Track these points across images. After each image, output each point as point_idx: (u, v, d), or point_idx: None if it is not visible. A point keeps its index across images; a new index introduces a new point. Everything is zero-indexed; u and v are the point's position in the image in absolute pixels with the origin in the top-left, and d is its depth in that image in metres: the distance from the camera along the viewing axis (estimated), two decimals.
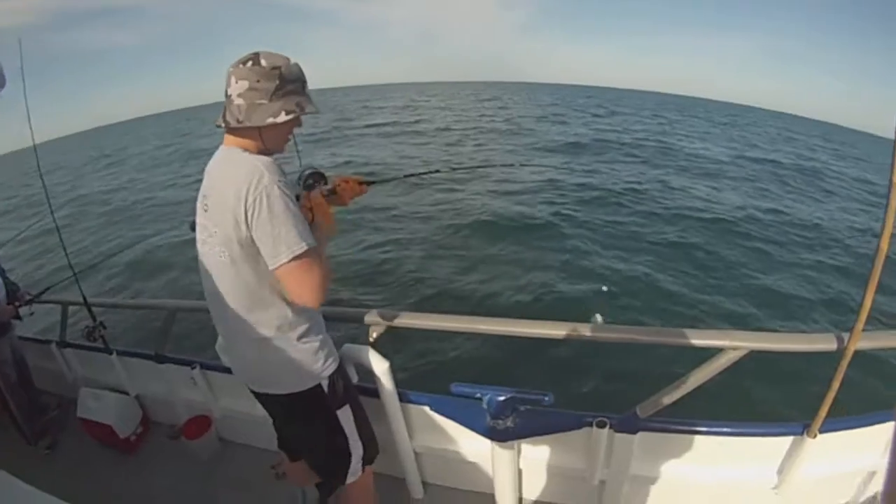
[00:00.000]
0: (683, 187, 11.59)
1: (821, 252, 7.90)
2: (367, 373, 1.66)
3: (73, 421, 2.51)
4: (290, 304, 1.22)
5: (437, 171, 2.04)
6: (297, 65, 1.17)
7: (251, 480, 2.14)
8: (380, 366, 1.63)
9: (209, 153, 1.25)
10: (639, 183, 11.62)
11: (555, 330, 1.53)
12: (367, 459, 1.51)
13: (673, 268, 6.66)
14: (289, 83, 1.14)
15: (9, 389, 2.51)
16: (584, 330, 1.51)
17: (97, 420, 2.41)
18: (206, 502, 2.11)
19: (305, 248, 1.10)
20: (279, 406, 1.41)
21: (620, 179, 11.95)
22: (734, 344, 1.38)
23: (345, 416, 1.40)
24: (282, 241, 1.09)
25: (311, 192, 1.31)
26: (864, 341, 1.30)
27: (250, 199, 1.08)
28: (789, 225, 9.26)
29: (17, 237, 6.96)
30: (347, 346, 1.63)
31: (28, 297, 2.63)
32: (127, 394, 2.51)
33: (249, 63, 1.12)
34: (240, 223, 1.10)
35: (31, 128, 2.19)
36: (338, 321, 1.77)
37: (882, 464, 1.58)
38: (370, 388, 1.70)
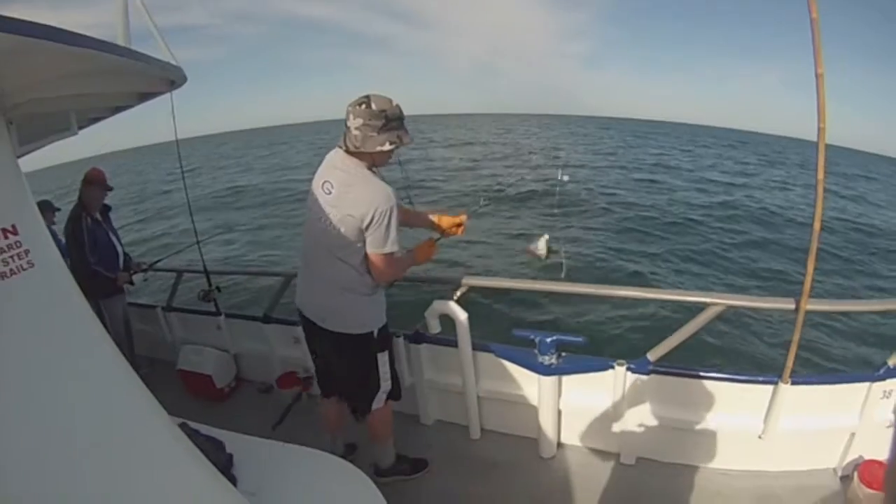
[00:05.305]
0: None
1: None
2: (450, 325, 2.15)
3: (170, 376, 2.92)
4: (365, 273, 1.69)
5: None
6: (398, 106, 1.58)
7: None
8: (460, 316, 2.11)
9: None
10: None
11: (588, 289, 2.09)
12: (393, 395, 1.94)
13: None
14: (392, 121, 1.56)
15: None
16: (609, 290, 2.09)
17: (198, 371, 2.84)
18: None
19: (393, 250, 1.64)
20: (336, 342, 1.77)
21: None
22: (715, 301, 1.84)
23: (382, 359, 1.85)
24: (383, 242, 1.61)
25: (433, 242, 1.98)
26: (812, 304, 1.71)
27: (377, 214, 1.56)
28: None
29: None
30: (437, 301, 2.16)
31: (144, 266, 3.14)
32: (227, 352, 2.95)
33: (363, 105, 1.54)
34: (363, 220, 1.57)
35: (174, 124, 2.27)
36: (431, 282, 2.33)
37: (858, 424, 1.88)
38: (451, 339, 2.18)
